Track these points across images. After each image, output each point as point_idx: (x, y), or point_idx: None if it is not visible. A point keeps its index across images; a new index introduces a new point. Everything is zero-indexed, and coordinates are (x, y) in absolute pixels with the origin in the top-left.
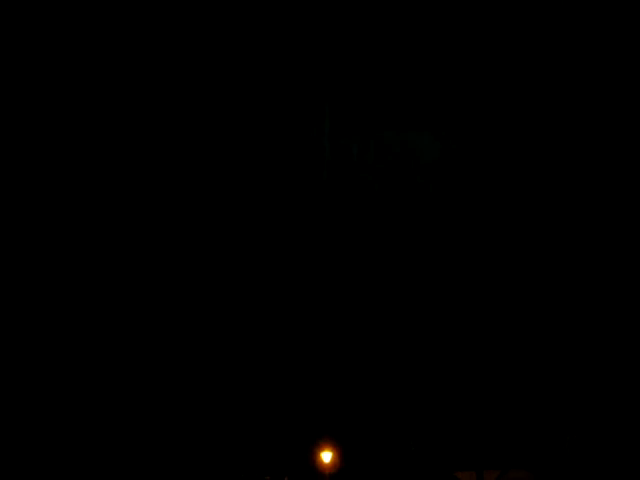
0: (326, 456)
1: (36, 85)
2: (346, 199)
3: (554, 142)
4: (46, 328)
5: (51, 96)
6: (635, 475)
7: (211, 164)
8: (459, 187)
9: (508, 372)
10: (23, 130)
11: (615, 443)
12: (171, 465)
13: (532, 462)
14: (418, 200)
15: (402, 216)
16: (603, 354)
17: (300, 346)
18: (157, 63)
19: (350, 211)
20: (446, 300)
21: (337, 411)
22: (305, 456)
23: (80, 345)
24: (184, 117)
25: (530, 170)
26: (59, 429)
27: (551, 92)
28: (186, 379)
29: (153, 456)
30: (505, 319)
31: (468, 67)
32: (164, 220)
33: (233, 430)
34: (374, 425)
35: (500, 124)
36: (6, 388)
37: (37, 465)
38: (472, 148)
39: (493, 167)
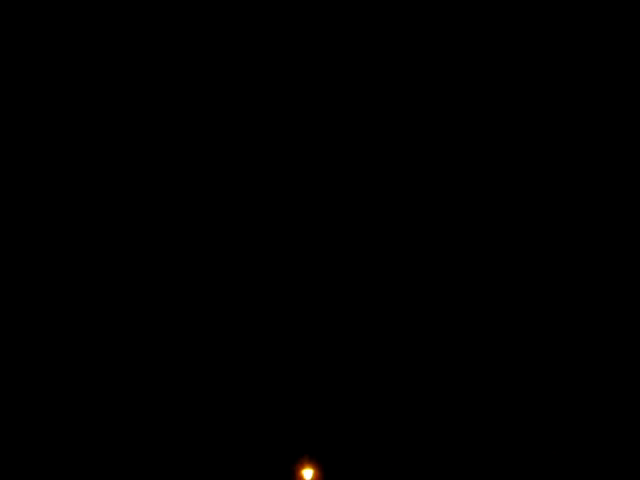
0: (307, 474)
1: (36, 85)
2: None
3: (554, 142)
4: (46, 328)
5: (51, 96)
6: (635, 475)
7: (214, 163)
8: (459, 186)
9: (505, 373)
10: (23, 130)
11: (615, 443)
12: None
13: (525, 463)
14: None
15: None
16: (603, 354)
17: (287, 356)
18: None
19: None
20: (440, 299)
21: (319, 427)
22: (286, 473)
23: (80, 345)
24: (186, 117)
25: (530, 170)
26: (59, 429)
27: (551, 92)
28: (181, 386)
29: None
30: (502, 319)
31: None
32: (164, 219)
33: (215, 443)
34: (356, 442)
35: (500, 124)
36: (6, 388)
37: (37, 465)
38: (472, 148)
39: (493, 167)
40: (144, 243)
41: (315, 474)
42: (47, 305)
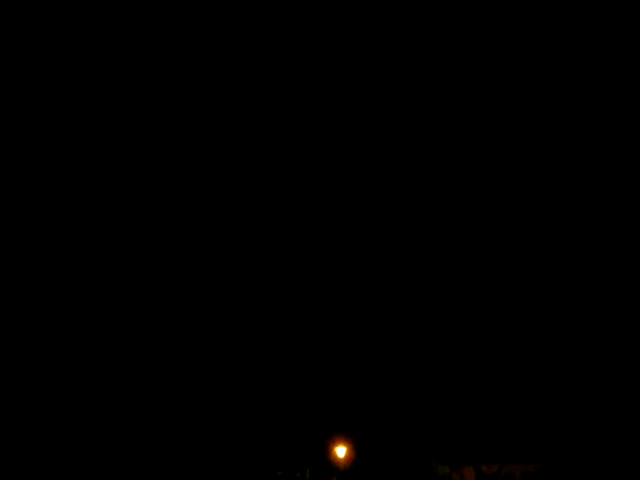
0: (340, 451)
1: (36, 85)
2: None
3: (554, 142)
4: (46, 328)
5: (51, 96)
6: (634, 473)
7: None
8: (460, 186)
9: (506, 369)
10: (23, 130)
11: (614, 438)
12: (184, 458)
13: (528, 457)
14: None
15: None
16: (602, 350)
17: (314, 342)
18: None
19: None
20: (444, 297)
21: (350, 407)
22: (319, 451)
23: (80, 345)
24: (188, 117)
25: (530, 170)
26: (59, 429)
27: (550, 93)
28: (201, 372)
29: (165, 448)
30: (503, 317)
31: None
32: (164, 219)
33: (247, 426)
34: (384, 422)
35: (500, 125)
36: (6, 388)
37: (37, 465)
38: (472, 148)
39: (492, 167)
40: (144, 244)
41: (347, 451)
42: (47, 305)
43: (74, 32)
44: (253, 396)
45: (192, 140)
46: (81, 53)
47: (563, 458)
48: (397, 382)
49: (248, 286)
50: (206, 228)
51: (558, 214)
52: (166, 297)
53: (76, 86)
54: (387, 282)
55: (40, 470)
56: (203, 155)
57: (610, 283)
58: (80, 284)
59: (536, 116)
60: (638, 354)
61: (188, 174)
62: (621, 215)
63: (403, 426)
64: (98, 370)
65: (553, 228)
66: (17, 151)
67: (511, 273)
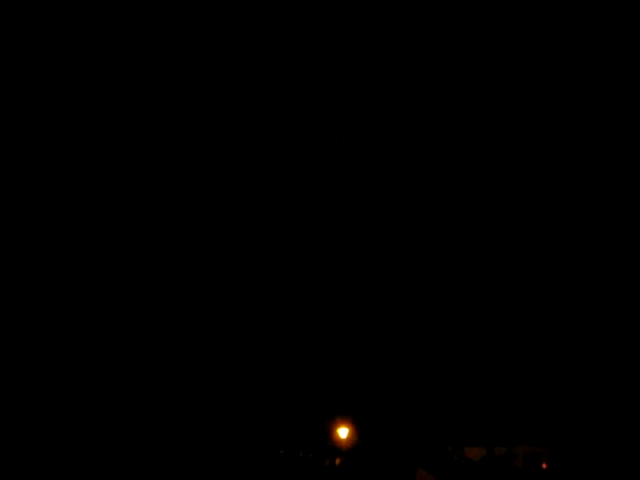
0: (342, 432)
1: (36, 85)
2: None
3: (553, 143)
4: (46, 328)
5: (50, 96)
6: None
7: (222, 160)
8: (460, 186)
9: (516, 351)
10: (22, 130)
11: (621, 419)
12: (187, 435)
13: (539, 438)
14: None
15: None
16: (608, 335)
17: (317, 323)
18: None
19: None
20: (451, 284)
21: (353, 387)
22: (321, 431)
23: (80, 345)
24: (189, 117)
25: (529, 171)
26: (59, 429)
27: (550, 94)
28: (204, 351)
29: (168, 426)
30: (511, 301)
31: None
32: (165, 218)
33: (249, 404)
34: (389, 402)
35: (499, 125)
36: (6, 388)
37: (37, 465)
38: (471, 148)
39: (493, 167)
40: (144, 244)
41: (350, 432)
42: (47, 305)
43: (74, 32)
44: (255, 375)
45: (192, 140)
46: (81, 53)
47: (569, 442)
48: (402, 364)
49: (248, 269)
50: (206, 228)
51: (558, 214)
52: (165, 291)
53: (76, 86)
54: (391, 263)
55: (40, 470)
56: (203, 155)
57: (612, 271)
58: (80, 284)
59: (536, 116)
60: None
61: (188, 174)
62: (621, 215)
63: (409, 407)
64: (98, 370)
65: (553, 228)
66: (17, 151)
67: (525, 256)
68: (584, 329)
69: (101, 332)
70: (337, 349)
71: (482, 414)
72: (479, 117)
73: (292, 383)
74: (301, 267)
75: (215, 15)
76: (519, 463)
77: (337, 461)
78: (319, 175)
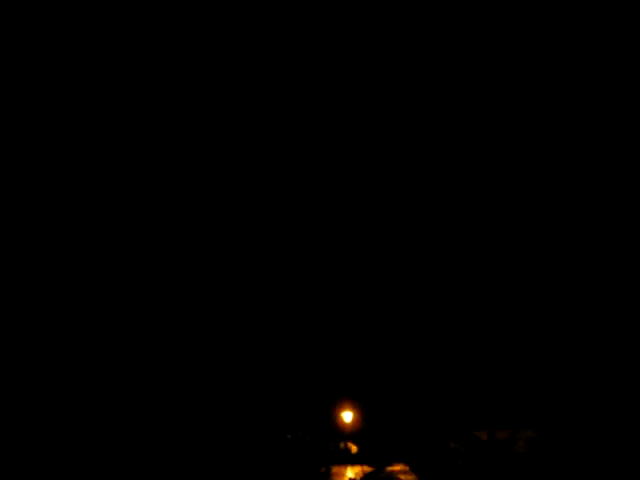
0: (347, 416)
1: (36, 85)
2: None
3: (553, 143)
4: (46, 328)
5: (50, 96)
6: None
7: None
8: (461, 186)
9: (518, 336)
10: (23, 130)
11: (622, 406)
12: (191, 421)
13: (541, 422)
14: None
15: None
16: (610, 324)
17: (323, 310)
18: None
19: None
20: (453, 274)
21: (357, 372)
22: (326, 416)
23: (80, 345)
24: (190, 117)
25: (529, 170)
26: (59, 429)
27: (550, 94)
28: (207, 340)
29: (170, 416)
30: (511, 290)
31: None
32: (165, 217)
33: (254, 390)
34: (393, 386)
35: (499, 125)
36: (6, 388)
37: (37, 465)
38: (471, 148)
39: (492, 167)
40: (144, 244)
41: (354, 416)
42: (47, 305)
43: (74, 32)
44: (261, 360)
45: (192, 140)
46: (81, 52)
47: (574, 422)
48: (405, 350)
49: (249, 263)
50: (206, 228)
51: (558, 214)
52: (165, 290)
53: (76, 86)
54: (394, 255)
55: (40, 470)
56: (203, 155)
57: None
58: (80, 284)
59: (536, 116)
60: None
61: (188, 174)
62: (621, 215)
63: (412, 392)
64: (98, 369)
65: (553, 228)
66: (17, 151)
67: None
68: (585, 320)
69: (101, 332)
70: (341, 334)
71: (484, 398)
72: (479, 117)
73: (296, 368)
74: (305, 254)
75: (215, 15)
76: (521, 448)
77: (341, 445)
78: (319, 175)
